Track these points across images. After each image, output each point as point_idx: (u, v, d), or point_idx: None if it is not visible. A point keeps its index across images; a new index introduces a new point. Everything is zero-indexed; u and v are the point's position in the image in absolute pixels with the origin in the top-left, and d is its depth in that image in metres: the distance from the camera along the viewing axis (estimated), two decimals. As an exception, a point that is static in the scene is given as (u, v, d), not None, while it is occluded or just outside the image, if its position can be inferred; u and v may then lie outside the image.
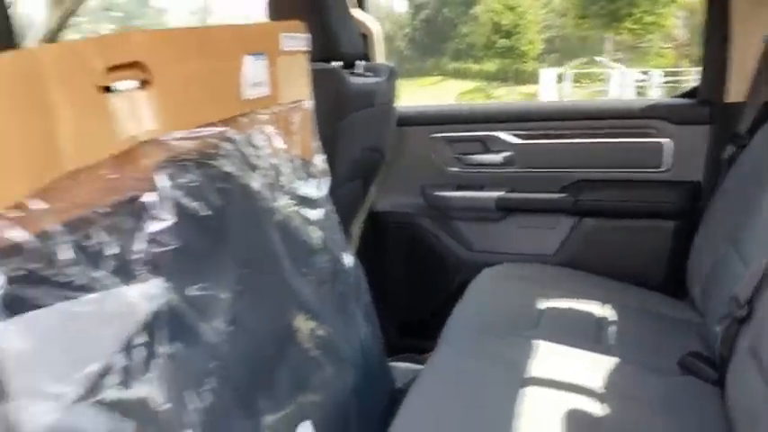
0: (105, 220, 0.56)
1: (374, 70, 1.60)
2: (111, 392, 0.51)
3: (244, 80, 0.81)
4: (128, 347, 0.54)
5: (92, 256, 0.53)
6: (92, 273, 0.52)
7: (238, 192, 0.77)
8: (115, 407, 0.51)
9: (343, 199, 1.17)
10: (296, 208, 0.91)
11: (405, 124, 1.84)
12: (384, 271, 1.85)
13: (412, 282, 1.90)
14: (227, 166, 0.75)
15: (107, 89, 0.59)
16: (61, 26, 1.92)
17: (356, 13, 1.67)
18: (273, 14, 1.36)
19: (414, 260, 1.88)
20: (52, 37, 1.95)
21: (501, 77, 21.95)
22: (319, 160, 1.02)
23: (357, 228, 1.77)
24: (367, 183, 1.73)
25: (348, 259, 1.06)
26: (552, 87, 16.42)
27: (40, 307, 0.48)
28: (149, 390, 0.55)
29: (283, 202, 0.88)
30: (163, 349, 0.57)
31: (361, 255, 1.15)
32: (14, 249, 0.48)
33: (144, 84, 0.64)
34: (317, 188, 0.98)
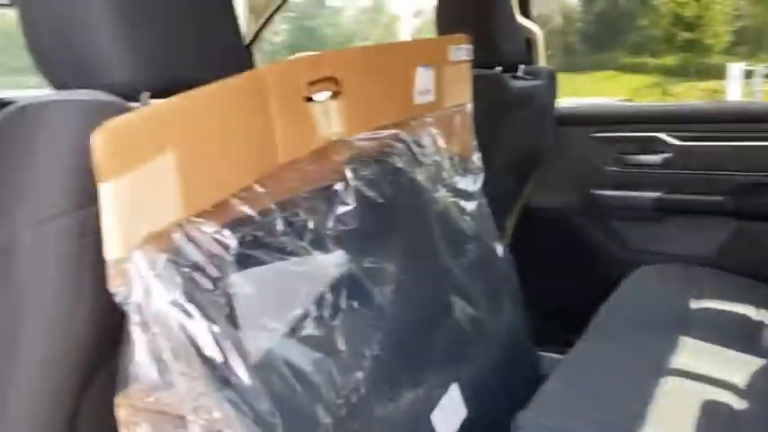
0: (306, 203, 0.72)
1: (535, 73, 1.67)
2: (308, 332, 0.67)
3: (415, 89, 0.94)
4: (320, 300, 0.70)
5: (297, 230, 0.69)
6: (297, 242, 0.68)
7: (407, 184, 0.91)
8: (310, 343, 0.67)
9: (498, 194, 1.26)
10: (453, 200, 1.03)
11: (565, 124, 1.88)
12: (536, 264, 1.88)
13: (564, 276, 1.92)
14: (399, 163, 0.89)
15: (309, 99, 0.75)
16: (257, 37, 2.20)
17: (520, 19, 1.75)
18: (442, 23, 1.49)
19: (567, 255, 1.91)
20: (249, 46, 2.23)
21: (681, 72, 20.42)
22: (476, 158, 1.13)
23: (511, 221, 1.84)
24: (522, 180, 1.80)
25: (499, 249, 1.15)
26: (739, 84, 14.95)
27: (262, 264, 0.64)
28: (334, 334, 0.70)
29: (443, 194, 1.00)
30: (344, 305, 0.73)
31: (513, 247, 1.24)
32: (244, 221, 0.64)
33: (336, 94, 0.79)
34: (472, 183, 1.10)
